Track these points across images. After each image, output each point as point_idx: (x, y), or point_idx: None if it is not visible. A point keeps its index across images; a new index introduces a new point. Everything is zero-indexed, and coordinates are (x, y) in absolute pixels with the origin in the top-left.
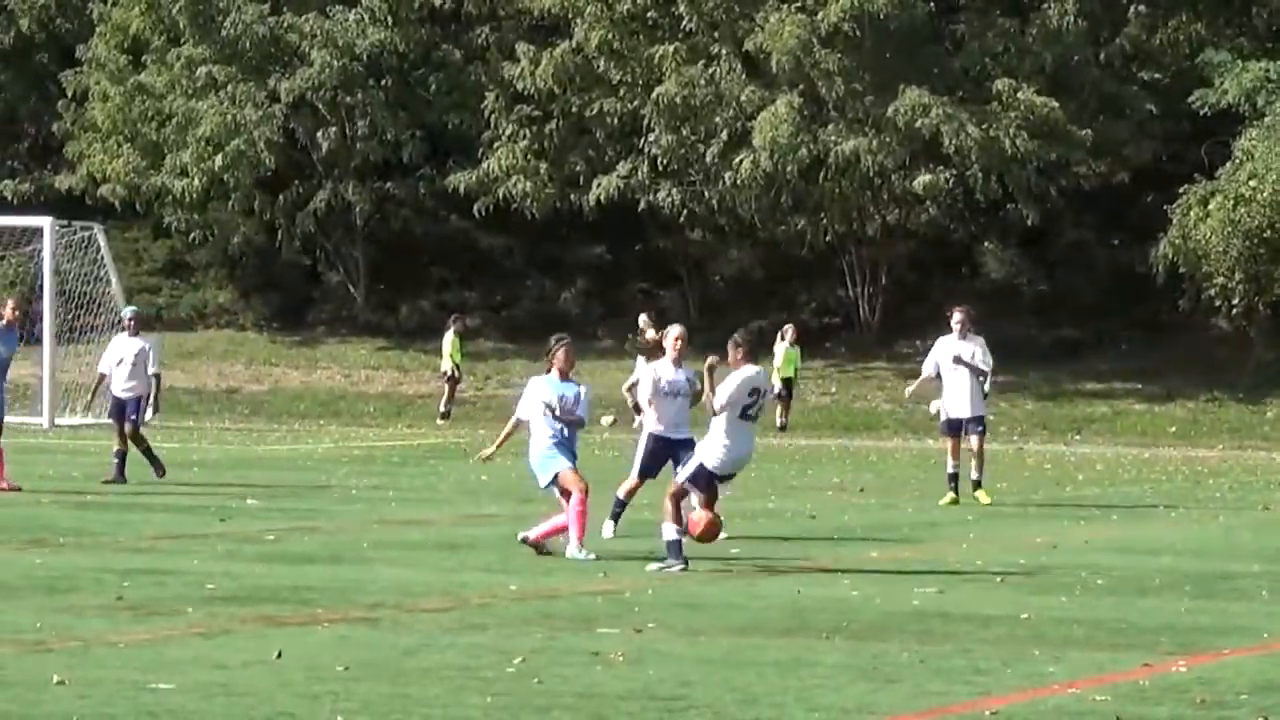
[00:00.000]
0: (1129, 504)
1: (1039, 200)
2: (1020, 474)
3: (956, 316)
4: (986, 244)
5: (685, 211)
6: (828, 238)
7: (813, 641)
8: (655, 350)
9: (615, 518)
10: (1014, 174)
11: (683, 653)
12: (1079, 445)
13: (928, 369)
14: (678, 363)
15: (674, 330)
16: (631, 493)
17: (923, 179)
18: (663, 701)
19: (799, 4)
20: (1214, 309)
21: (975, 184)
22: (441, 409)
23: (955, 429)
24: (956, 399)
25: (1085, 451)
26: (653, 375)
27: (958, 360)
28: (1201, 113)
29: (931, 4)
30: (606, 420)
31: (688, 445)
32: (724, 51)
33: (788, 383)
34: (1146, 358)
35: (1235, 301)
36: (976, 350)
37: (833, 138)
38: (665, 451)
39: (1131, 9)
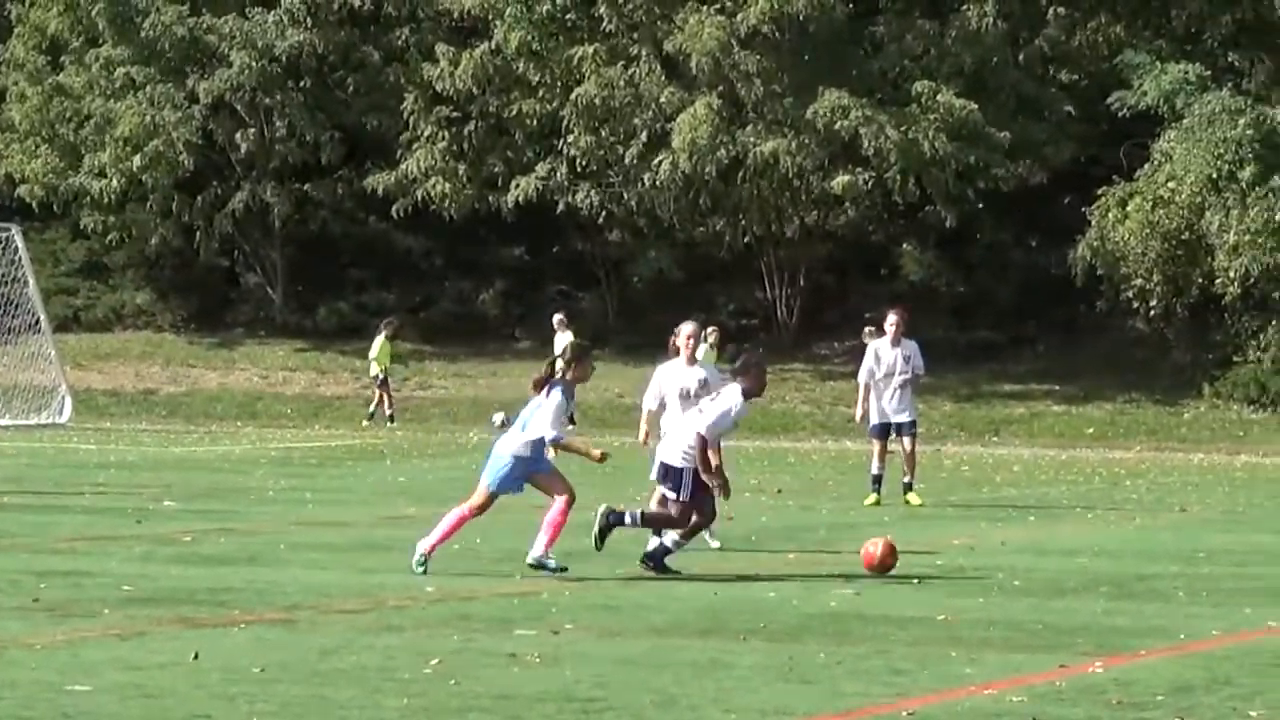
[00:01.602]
0: (1046, 505)
1: (957, 202)
2: (938, 475)
3: (891, 319)
4: (905, 246)
5: (604, 213)
6: (746, 239)
7: (730, 643)
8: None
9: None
10: (932, 176)
11: (600, 654)
12: (996, 447)
13: (863, 377)
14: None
15: (689, 328)
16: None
17: (841, 181)
18: (580, 703)
19: (718, 6)
20: (1132, 310)
21: (894, 186)
22: (387, 412)
23: (884, 432)
24: (890, 403)
25: (1002, 453)
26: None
27: (890, 368)
28: (1120, 114)
29: (851, 6)
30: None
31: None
32: (643, 53)
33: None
34: (1064, 359)
35: (1153, 303)
36: (911, 355)
37: (751, 139)
38: None
39: (1050, 11)
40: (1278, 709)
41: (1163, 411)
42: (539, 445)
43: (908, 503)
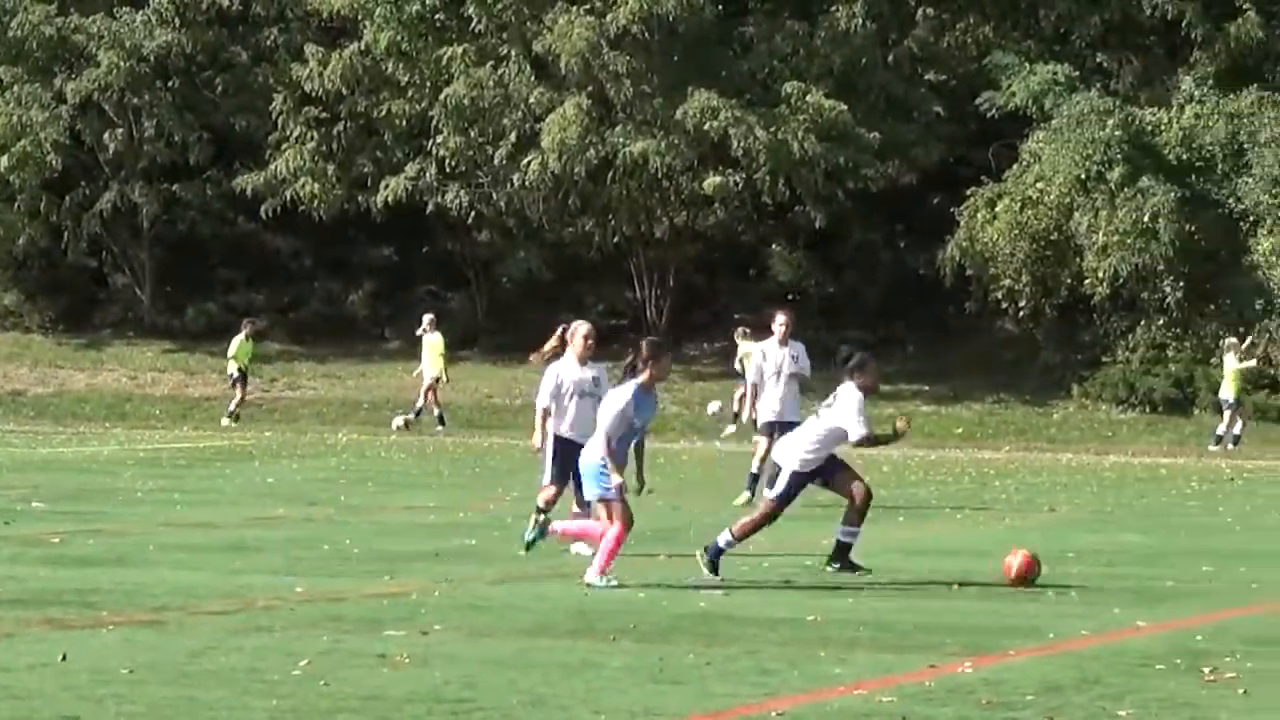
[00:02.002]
0: (915, 505)
1: (826, 202)
2: None
3: (780, 319)
4: (774, 246)
5: (473, 213)
6: (615, 239)
7: (599, 644)
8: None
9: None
10: (802, 176)
11: (469, 655)
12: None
13: (752, 376)
14: (584, 360)
15: (584, 329)
16: (551, 502)
17: (711, 181)
18: (449, 704)
19: (588, 6)
20: (1001, 311)
21: (763, 186)
22: (230, 409)
23: (773, 430)
24: (777, 403)
25: (872, 453)
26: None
27: (778, 368)
28: (989, 115)
29: (720, 7)
30: (397, 422)
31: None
32: (513, 53)
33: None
34: (933, 360)
35: (1022, 303)
36: (798, 355)
37: (621, 140)
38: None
39: (919, 11)
40: (1146, 708)
41: (1031, 412)
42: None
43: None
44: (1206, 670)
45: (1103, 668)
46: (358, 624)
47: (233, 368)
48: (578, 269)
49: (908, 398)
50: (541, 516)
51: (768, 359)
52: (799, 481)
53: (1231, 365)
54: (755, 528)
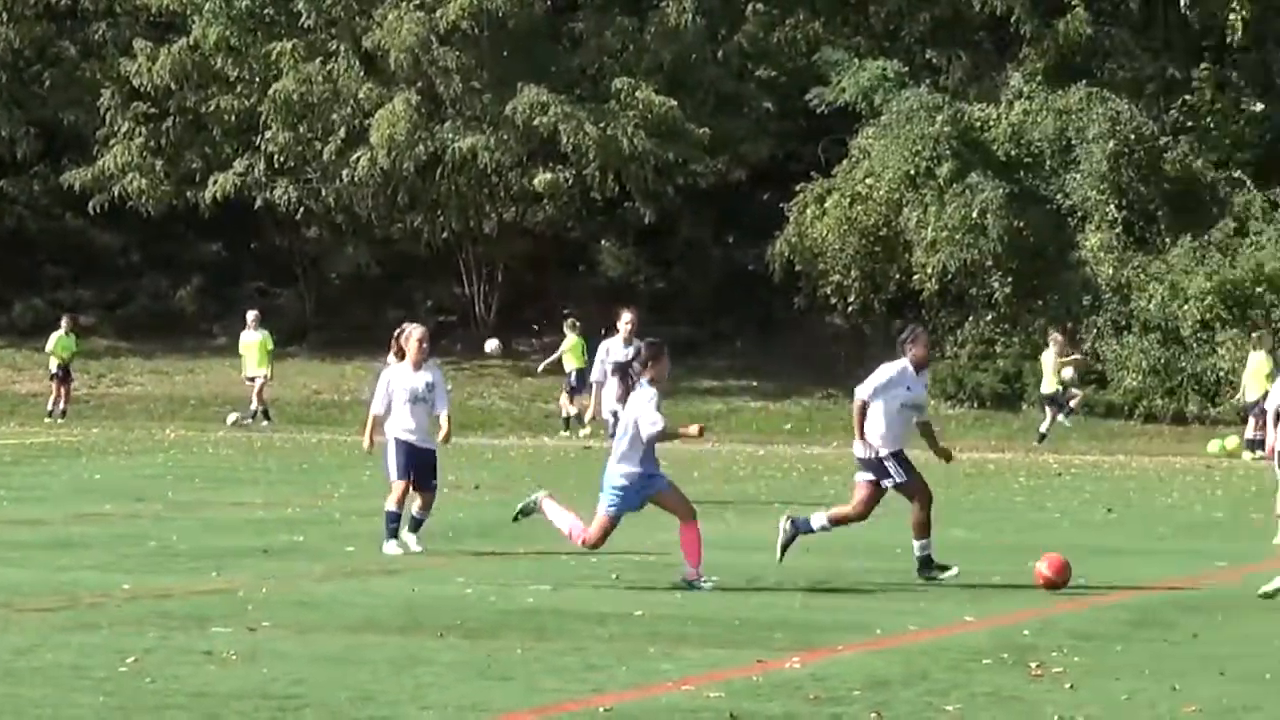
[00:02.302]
0: (744, 501)
1: (656, 198)
2: None
3: (626, 317)
4: (604, 242)
5: (302, 209)
6: (444, 235)
7: (427, 639)
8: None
9: (394, 534)
10: (631, 172)
11: (297, 651)
12: (694, 443)
13: (596, 375)
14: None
15: (418, 331)
16: (401, 501)
17: (541, 178)
18: (277, 700)
19: (417, 2)
20: (829, 307)
21: (592, 182)
22: (48, 407)
23: None
24: (620, 401)
25: (701, 449)
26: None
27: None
28: (819, 111)
29: (550, 3)
30: (231, 419)
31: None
32: (342, 48)
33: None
34: (762, 355)
35: (851, 299)
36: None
37: (450, 135)
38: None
39: (749, 7)
40: (973, 703)
41: None
42: (650, 455)
43: None
44: (1033, 665)
45: (930, 662)
46: (185, 620)
47: (53, 364)
48: (407, 265)
49: (736, 393)
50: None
51: (610, 356)
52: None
53: (1051, 360)
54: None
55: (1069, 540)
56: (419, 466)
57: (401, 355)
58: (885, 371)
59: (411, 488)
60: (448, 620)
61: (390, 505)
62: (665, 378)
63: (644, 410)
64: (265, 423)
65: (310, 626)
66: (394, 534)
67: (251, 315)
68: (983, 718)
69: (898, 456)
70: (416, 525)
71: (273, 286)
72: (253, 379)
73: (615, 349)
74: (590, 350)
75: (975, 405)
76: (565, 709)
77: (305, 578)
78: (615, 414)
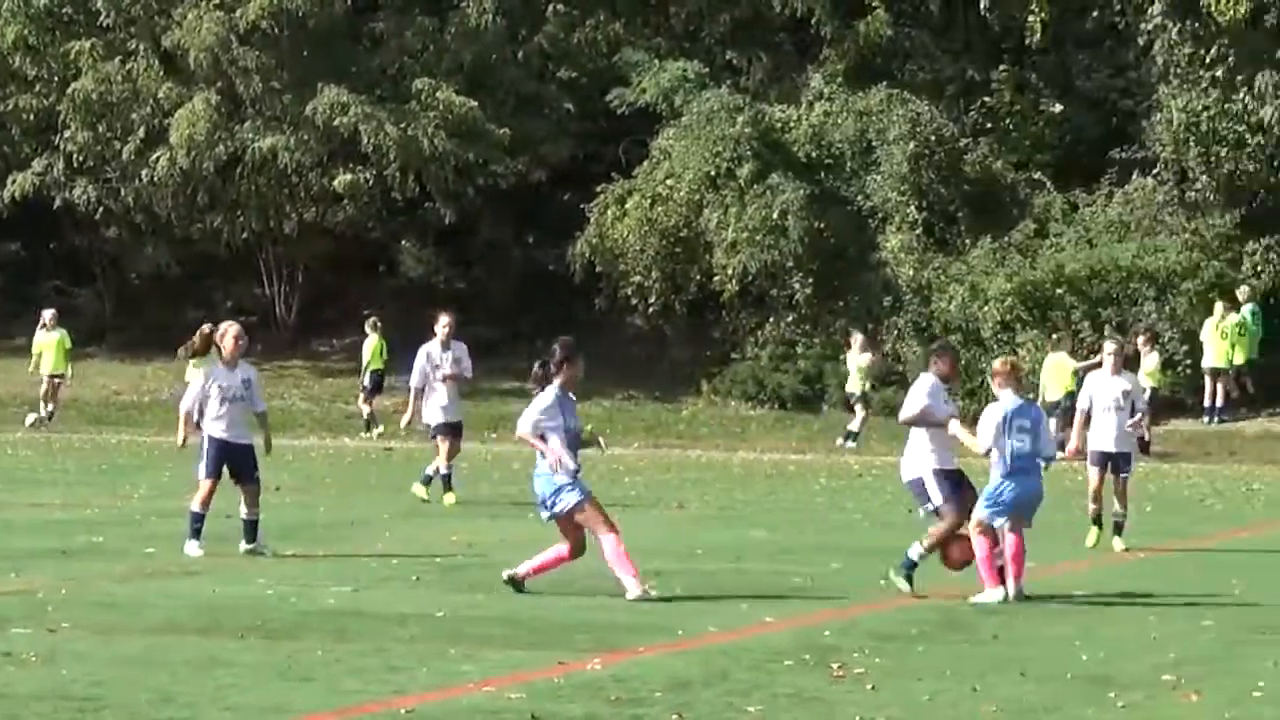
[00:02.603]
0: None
1: (456, 199)
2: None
3: (444, 320)
4: (404, 242)
5: (101, 209)
6: (244, 236)
7: (228, 641)
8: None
9: (197, 534)
10: (432, 173)
11: (97, 652)
12: (495, 443)
13: (417, 380)
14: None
15: (233, 330)
16: (206, 502)
17: (341, 178)
18: (77, 702)
19: (217, 1)
20: (630, 308)
21: (393, 183)
22: None
23: (448, 432)
24: (445, 404)
25: (501, 450)
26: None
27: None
28: (619, 111)
29: (350, 2)
30: (30, 419)
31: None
32: (142, 48)
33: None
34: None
35: (652, 300)
36: (461, 356)
37: (250, 135)
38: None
39: (550, 8)
40: (775, 703)
41: (661, 408)
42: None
43: (445, 502)
44: (835, 665)
45: (731, 663)
46: None
47: None
48: (207, 265)
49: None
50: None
51: (430, 360)
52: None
53: (855, 360)
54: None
55: (870, 541)
56: (237, 463)
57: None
58: (922, 386)
59: (235, 484)
60: (248, 621)
61: (195, 505)
62: (579, 378)
63: (526, 413)
64: (39, 417)
65: (110, 628)
66: (197, 534)
67: (48, 314)
68: (784, 718)
69: (941, 475)
70: (252, 530)
71: (71, 286)
72: (52, 378)
73: (434, 352)
74: (392, 351)
75: (776, 406)
76: (366, 710)
77: (105, 579)
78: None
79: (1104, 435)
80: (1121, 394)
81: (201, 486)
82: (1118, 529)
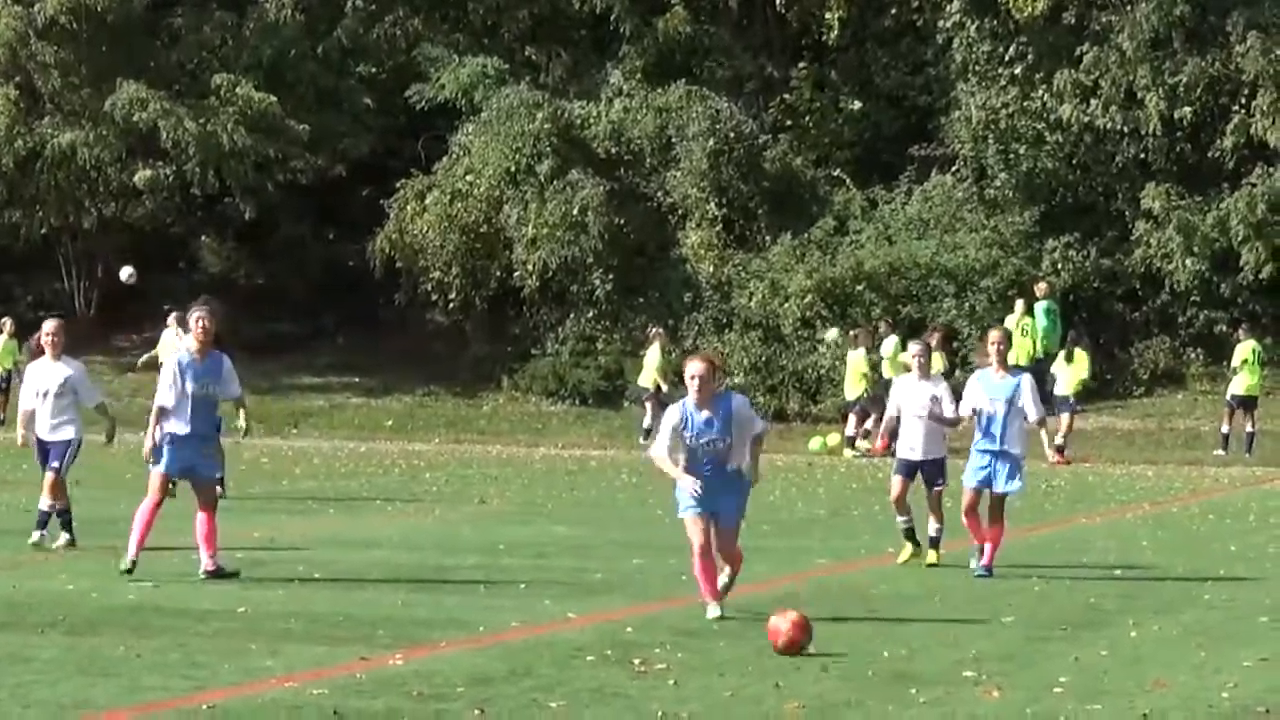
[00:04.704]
0: (346, 497)
1: (256, 194)
2: (237, 468)
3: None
4: (204, 238)
5: None
6: (43, 230)
7: (29, 636)
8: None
9: (43, 525)
10: (231, 168)
11: None
12: (296, 439)
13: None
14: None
15: (49, 325)
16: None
17: (141, 173)
18: None
19: None
20: (431, 303)
21: (193, 178)
22: None
23: None
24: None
25: (302, 445)
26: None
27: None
28: (419, 107)
29: None
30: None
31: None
32: None
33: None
34: (364, 351)
35: (452, 296)
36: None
37: (49, 130)
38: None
39: (349, 4)
40: (577, 699)
41: (462, 404)
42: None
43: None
44: (637, 661)
45: (534, 659)
46: None
47: None
48: (5, 260)
49: (338, 390)
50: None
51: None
52: None
53: (655, 359)
54: None
55: (671, 538)
56: (46, 456)
57: (41, 352)
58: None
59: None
60: (49, 617)
61: (42, 503)
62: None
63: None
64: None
65: None
66: (43, 524)
67: None
68: (586, 715)
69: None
70: (60, 520)
71: None
72: None
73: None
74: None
75: (577, 402)
76: (168, 706)
77: None
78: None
79: (911, 443)
80: (930, 399)
81: (44, 482)
82: (934, 544)
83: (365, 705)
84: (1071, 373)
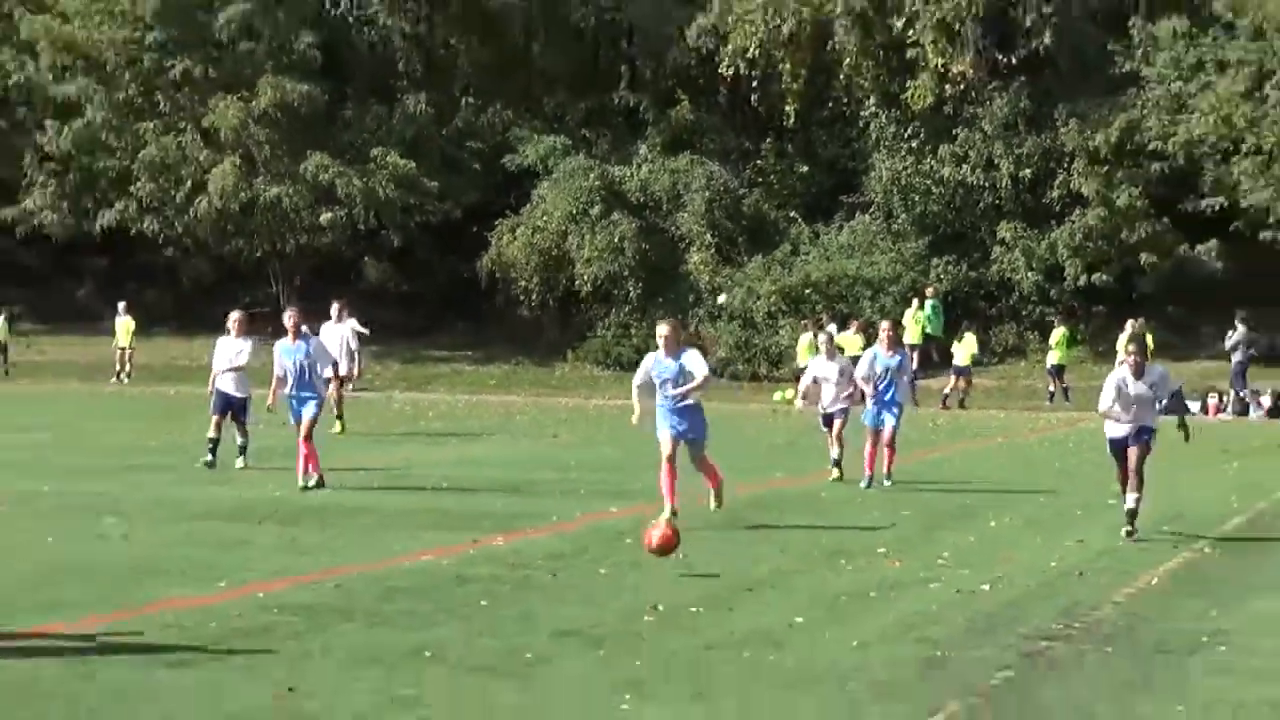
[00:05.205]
0: (463, 433)
1: (402, 229)
2: (388, 413)
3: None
4: (366, 259)
5: (162, 235)
6: (258, 253)
7: (251, 526)
8: None
9: (243, 451)
10: (385, 212)
11: None
12: (429, 393)
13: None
14: None
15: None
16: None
17: (324, 215)
18: None
19: (239, 95)
20: (519, 302)
21: (359, 219)
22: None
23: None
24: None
25: (433, 398)
26: None
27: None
28: (511, 170)
29: (327, 96)
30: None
31: None
32: (188, 126)
33: None
34: (474, 334)
35: (533, 297)
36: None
37: (262, 186)
38: None
39: (463, 100)
40: (619, 567)
41: (540, 370)
42: None
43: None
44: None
45: (590, 540)
46: None
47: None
48: (233, 273)
49: (459, 361)
50: None
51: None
52: None
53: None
54: None
55: (683, 459)
56: (231, 408)
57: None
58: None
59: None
60: (264, 513)
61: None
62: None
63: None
64: (125, 380)
65: None
66: (242, 451)
67: (122, 305)
68: (628, 577)
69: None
70: (239, 447)
71: (143, 288)
72: (122, 350)
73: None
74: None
75: (618, 369)
76: (305, 580)
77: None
78: None
79: (825, 400)
80: (838, 371)
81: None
82: (836, 464)
83: (475, 571)
84: (964, 349)
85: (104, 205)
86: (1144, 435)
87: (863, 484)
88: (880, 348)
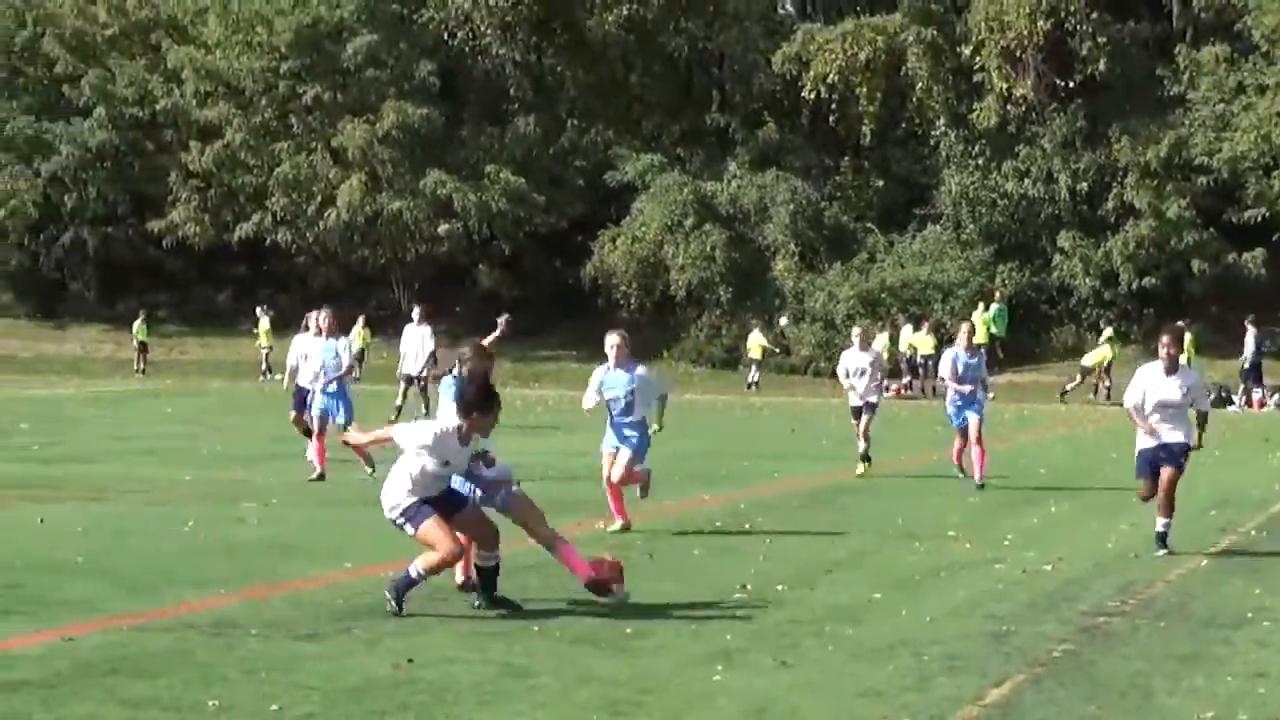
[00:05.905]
0: (565, 425)
1: (513, 239)
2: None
3: (416, 310)
4: (480, 266)
5: (295, 245)
6: (382, 261)
7: (338, 510)
8: None
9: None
10: (497, 224)
11: None
12: (536, 389)
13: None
14: None
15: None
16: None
17: (443, 227)
18: None
19: (365, 118)
20: (619, 305)
21: (474, 230)
22: (136, 366)
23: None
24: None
25: (541, 393)
26: None
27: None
28: (612, 185)
29: (445, 118)
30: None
31: None
32: (318, 146)
33: None
34: (578, 334)
35: (632, 301)
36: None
37: (385, 200)
38: None
39: (568, 122)
40: (711, 548)
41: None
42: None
43: None
44: (746, 525)
45: (685, 522)
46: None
47: (135, 339)
48: (359, 279)
49: (564, 359)
50: None
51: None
52: None
53: (756, 339)
54: None
55: (769, 448)
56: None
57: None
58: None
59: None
60: (332, 499)
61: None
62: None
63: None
64: (265, 378)
65: None
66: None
67: (260, 309)
68: (721, 559)
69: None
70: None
71: (277, 293)
72: (265, 348)
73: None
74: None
75: (711, 367)
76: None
77: None
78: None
79: (857, 392)
80: (868, 364)
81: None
82: (865, 458)
83: (586, 551)
84: (1095, 353)
85: (242, 218)
86: (1179, 456)
87: (976, 482)
88: (960, 348)
